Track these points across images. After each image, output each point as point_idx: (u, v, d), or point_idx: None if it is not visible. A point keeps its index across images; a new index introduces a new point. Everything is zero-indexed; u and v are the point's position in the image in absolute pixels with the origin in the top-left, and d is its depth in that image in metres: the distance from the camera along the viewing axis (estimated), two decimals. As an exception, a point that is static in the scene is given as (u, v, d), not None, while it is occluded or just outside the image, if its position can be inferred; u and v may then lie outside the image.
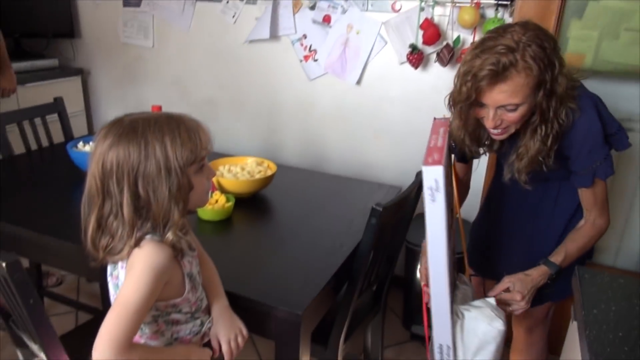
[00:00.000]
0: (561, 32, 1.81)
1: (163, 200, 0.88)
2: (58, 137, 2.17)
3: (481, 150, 1.32)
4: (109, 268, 1.00)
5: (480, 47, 1.08)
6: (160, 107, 1.67)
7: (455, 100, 1.16)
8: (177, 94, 2.74)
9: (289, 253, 1.37)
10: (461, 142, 1.26)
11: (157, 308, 0.97)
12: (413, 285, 2.11)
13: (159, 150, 0.87)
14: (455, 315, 1.17)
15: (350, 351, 1.96)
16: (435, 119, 1.29)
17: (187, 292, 0.98)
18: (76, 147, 1.81)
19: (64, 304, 2.23)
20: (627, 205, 1.91)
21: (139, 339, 1.00)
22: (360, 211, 1.59)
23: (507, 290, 1.25)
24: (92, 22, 2.87)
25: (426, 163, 1.02)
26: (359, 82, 2.27)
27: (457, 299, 1.22)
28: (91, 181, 0.90)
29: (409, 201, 1.49)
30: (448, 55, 1.99)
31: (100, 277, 1.57)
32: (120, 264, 0.95)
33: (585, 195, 1.24)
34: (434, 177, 1.00)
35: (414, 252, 2.05)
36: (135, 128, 0.88)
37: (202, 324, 1.06)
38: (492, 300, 1.19)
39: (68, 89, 2.82)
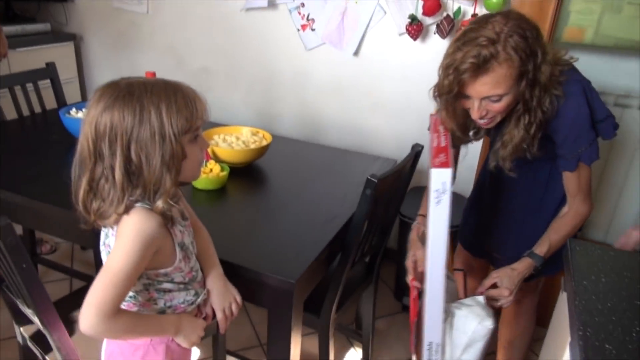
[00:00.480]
0: (563, 5, 1.78)
1: (155, 167, 0.87)
2: (50, 103, 2.14)
3: (469, 138, 1.33)
4: (102, 236, 1.00)
5: (462, 40, 1.08)
6: (154, 74, 1.65)
7: (439, 92, 1.17)
8: (172, 61, 2.70)
9: (283, 223, 1.37)
10: (450, 130, 1.27)
11: (147, 277, 0.97)
12: (406, 258, 2.13)
13: (154, 115, 0.86)
14: (444, 314, 1.18)
15: (342, 321, 1.99)
16: (431, 115, 1.29)
17: (178, 262, 0.98)
18: (69, 113, 1.79)
19: (58, 271, 2.23)
20: (621, 182, 1.92)
21: (132, 306, 1.00)
22: (355, 183, 1.59)
23: (495, 285, 1.27)
24: (85, -14, 2.80)
25: (434, 165, 1.02)
26: (356, 53, 2.24)
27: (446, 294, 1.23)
28: (83, 143, 0.89)
29: (403, 174, 1.49)
30: (448, 27, 1.96)
31: (94, 244, 1.58)
32: (111, 231, 0.95)
33: (570, 180, 1.24)
34: (441, 180, 1.00)
35: (408, 225, 2.05)
36: (132, 92, 0.87)
37: (196, 294, 1.06)
38: (481, 299, 1.22)
39: (60, 55, 2.76)
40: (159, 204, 0.90)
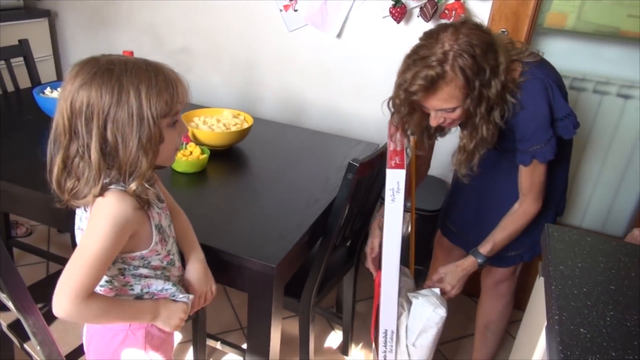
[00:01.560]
0: (546, -9, 1.78)
1: (131, 149, 0.85)
2: (24, 82, 2.08)
3: (435, 139, 1.38)
4: (76, 220, 0.97)
5: (412, 57, 1.13)
6: (132, 53, 1.60)
7: (394, 109, 1.22)
8: (151, 41, 2.63)
9: (264, 207, 1.36)
10: (415, 137, 1.32)
11: (123, 261, 0.95)
12: (365, 245, 2.16)
13: (133, 96, 0.83)
14: (400, 306, 1.28)
15: (323, 304, 2.00)
16: (390, 121, 1.31)
17: (154, 244, 0.96)
18: (43, 92, 1.74)
19: (34, 255, 2.19)
20: (598, 167, 1.95)
21: (109, 292, 0.98)
22: (337, 167, 1.58)
23: (441, 280, 1.37)
24: (59, -40, 2.69)
25: (389, 166, 1.12)
26: (339, 35, 2.21)
27: (402, 291, 1.30)
28: (59, 119, 0.86)
29: (385, 158, 1.49)
30: (432, 10, 1.94)
31: (71, 227, 1.55)
32: (85, 214, 0.93)
33: (524, 176, 1.26)
34: (396, 180, 1.11)
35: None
36: (111, 69, 0.83)
37: (174, 286, 1.02)
38: (437, 290, 1.32)
39: (34, 32, 2.67)
40: (133, 186, 0.87)
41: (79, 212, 0.96)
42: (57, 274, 1.51)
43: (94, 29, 2.77)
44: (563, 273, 0.89)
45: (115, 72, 0.83)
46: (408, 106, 1.17)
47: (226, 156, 1.63)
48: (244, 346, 1.70)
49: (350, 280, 1.73)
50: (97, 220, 0.86)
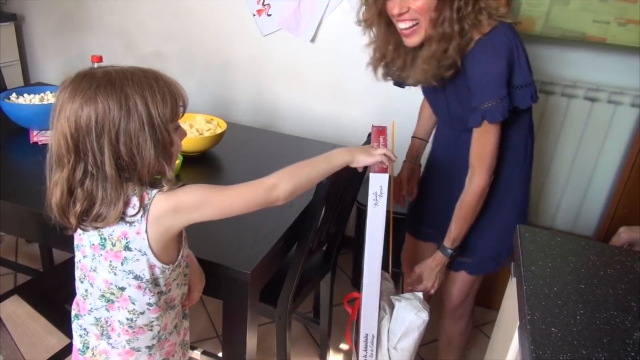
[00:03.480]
0: (514, -5, 1.82)
1: (150, 157, 0.83)
2: (-11, 88, 2.01)
3: (394, 74, 1.35)
4: (85, 240, 0.91)
5: None
6: (100, 58, 1.57)
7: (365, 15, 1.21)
8: (122, 45, 2.59)
9: (238, 212, 1.35)
10: (377, 69, 1.32)
11: (164, 279, 0.93)
12: (363, 246, 2.15)
13: (141, 105, 0.82)
14: (382, 309, 1.29)
15: (300, 309, 1.99)
16: (373, 126, 1.31)
17: (184, 247, 0.97)
18: (9, 99, 1.69)
19: (2, 266, 2.12)
20: (566, 170, 2.00)
21: (126, 333, 0.95)
22: (312, 171, 1.57)
23: (420, 279, 1.39)
24: (25, -37, 2.63)
25: (373, 170, 1.10)
26: (313, 39, 2.21)
27: (382, 294, 1.30)
28: (60, 140, 0.82)
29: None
30: (404, 15, 1.96)
31: (39, 237, 1.50)
32: (123, 230, 0.87)
33: (474, 142, 1.23)
34: (379, 184, 1.09)
35: (365, 212, 2.07)
36: (112, 81, 0.82)
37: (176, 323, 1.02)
38: (419, 294, 1.33)
39: (1, 36, 2.60)
40: (166, 189, 0.87)
41: (98, 231, 0.89)
42: (25, 285, 1.47)
43: (63, 33, 2.71)
44: (534, 273, 0.90)
45: (117, 83, 0.82)
46: (377, 12, 1.17)
47: (200, 162, 1.61)
48: (220, 354, 1.67)
49: (327, 284, 1.73)
50: (182, 191, 0.88)
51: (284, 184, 0.96)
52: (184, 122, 1.69)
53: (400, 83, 1.38)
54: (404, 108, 2.16)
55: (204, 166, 1.61)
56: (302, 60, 2.28)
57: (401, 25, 1.17)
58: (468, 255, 1.40)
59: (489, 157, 1.22)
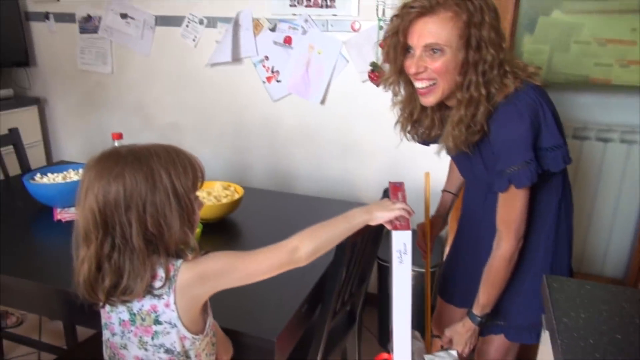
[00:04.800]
0: (515, 47, 1.88)
1: (176, 227, 0.87)
2: (14, 169, 2.09)
3: (422, 134, 1.31)
4: (114, 318, 0.92)
5: None
6: (120, 135, 1.64)
7: (386, 47, 1.17)
8: (140, 120, 2.69)
9: (259, 278, 1.34)
10: (405, 120, 1.28)
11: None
12: (387, 303, 2.11)
13: (165, 178, 0.86)
14: None
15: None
16: (390, 182, 1.31)
17: (209, 316, 0.97)
18: (33, 179, 1.75)
19: (26, 345, 2.11)
20: (587, 212, 1.97)
21: None
22: (331, 231, 1.57)
23: (451, 341, 1.33)
24: (48, 50, 2.80)
25: (394, 228, 1.08)
26: (322, 101, 2.28)
27: (414, 355, 1.26)
28: (88, 217, 0.85)
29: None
30: (409, 72, 2.02)
31: (63, 315, 1.51)
32: (152, 304, 0.88)
33: (500, 206, 1.19)
34: (402, 241, 1.07)
35: (387, 269, 2.05)
36: (138, 157, 0.86)
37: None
38: (454, 352, 1.29)
39: (24, 119, 2.72)
40: (190, 258, 0.90)
41: (126, 306, 0.90)
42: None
43: (83, 113, 2.83)
44: (567, 325, 0.87)
45: (143, 159, 0.86)
46: (398, 45, 1.12)
47: (219, 228, 1.63)
48: None
49: (354, 345, 1.68)
50: (207, 259, 0.91)
51: (305, 246, 0.98)
52: (202, 190, 1.72)
53: (425, 142, 1.35)
54: (416, 163, 2.19)
55: (224, 233, 1.63)
56: (313, 122, 2.34)
57: (418, 85, 1.15)
58: (501, 319, 1.32)
59: (516, 222, 1.17)
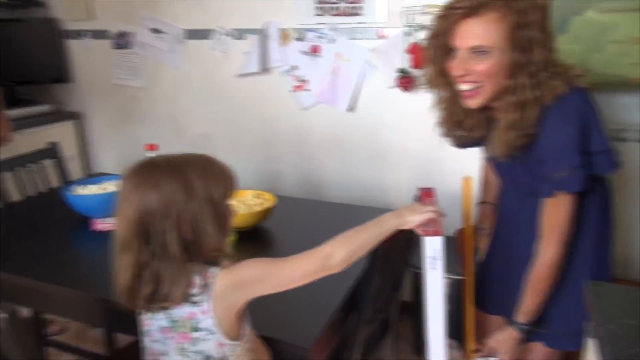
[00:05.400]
0: (548, 47, 1.84)
1: (211, 235, 0.89)
2: (55, 181, 2.16)
3: (466, 132, 1.26)
4: (155, 323, 0.94)
5: None
6: (155, 146, 1.68)
7: (429, 49, 1.15)
8: (172, 131, 2.75)
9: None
10: (446, 124, 1.25)
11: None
12: (422, 311, 2.08)
13: (201, 186, 0.88)
14: None
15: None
16: (419, 188, 1.29)
17: (247, 322, 0.99)
18: (72, 191, 1.80)
19: (68, 352, 2.17)
20: (627, 218, 1.90)
21: None
22: (363, 238, 1.57)
23: (493, 351, 1.28)
24: (84, 67, 2.90)
25: (426, 234, 1.08)
26: (351, 108, 2.28)
27: None
28: (126, 226, 0.87)
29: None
30: (438, 77, 2.00)
31: (103, 322, 1.55)
32: (190, 311, 0.90)
33: (545, 212, 1.15)
34: (433, 247, 1.07)
35: (420, 277, 2.02)
36: (173, 167, 0.89)
37: None
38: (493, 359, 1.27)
39: (63, 133, 2.82)
40: (227, 264, 0.92)
41: (165, 313, 0.92)
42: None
43: (118, 126, 2.92)
44: (615, 333, 0.84)
45: (177, 168, 0.89)
46: (441, 47, 1.09)
47: (252, 237, 1.64)
48: None
49: (390, 354, 1.66)
50: (242, 265, 0.92)
51: (338, 252, 0.98)
52: (234, 199, 1.74)
53: (465, 144, 1.32)
54: (447, 169, 2.17)
55: (257, 241, 1.64)
56: (342, 130, 2.34)
57: (462, 87, 1.12)
58: (543, 327, 1.28)
59: (561, 228, 1.14)
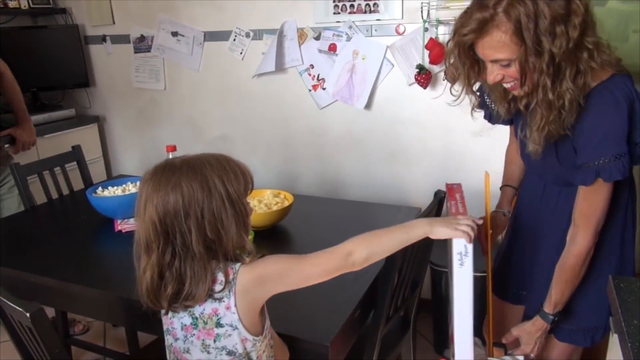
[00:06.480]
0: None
1: (233, 231, 0.90)
2: (78, 184, 2.21)
3: (510, 106, 1.21)
4: (175, 323, 0.95)
5: None
6: (174, 147, 1.70)
7: (451, 56, 1.12)
8: (191, 133, 2.78)
9: (312, 283, 1.35)
10: (493, 101, 1.22)
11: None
12: (441, 309, 2.06)
13: (220, 184, 0.89)
14: None
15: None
16: (447, 184, 1.28)
17: (267, 318, 0.99)
18: (95, 192, 1.84)
19: (92, 351, 2.21)
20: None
21: None
22: (381, 235, 1.56)
23: (517, 341, 1.27)
24: (106, 71, 2.95)
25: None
26: (368, 106, 2.27)
27: None
28: (148, 227, 0.89)
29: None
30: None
31: (126, 321, 1.57)
32: (213, 307, 0.91)
33: (581, 200, 1.12)
34: (463, 244, 1.04)
35: (439, 274, 2.00)
36: (191, 167, 0.90)
37: None
38: (520, 358, 1.24)
39: (85, 137, 2.88)
40: (248, 260, 0.92)
41: (188, 311, 0.93)
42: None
43: (139, 128, 2.96)
44: (638, 328, 0.82)
45: (196, 168, 0.90)
46: (464, 56, 1.08)
47: (270, 235, 1.65)
48: None
49: (409, 351, 1.65)
50: (264, 261, 0.93)
51: (359, 251, 0.97)
52: (252, 198, 1.75)
53: (498, 119, 1.29)
54: (465, 166, 2.14)
55: (275, 239, 1.65)
56: (359, 128, 2.33)
57: (504, 85, 1.12)
58: (569, 320, 1.26)
59: (596, 217, 1.11)
